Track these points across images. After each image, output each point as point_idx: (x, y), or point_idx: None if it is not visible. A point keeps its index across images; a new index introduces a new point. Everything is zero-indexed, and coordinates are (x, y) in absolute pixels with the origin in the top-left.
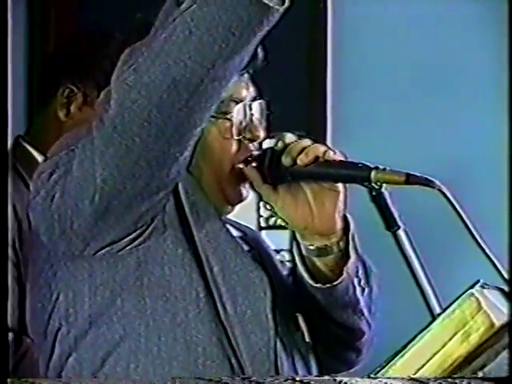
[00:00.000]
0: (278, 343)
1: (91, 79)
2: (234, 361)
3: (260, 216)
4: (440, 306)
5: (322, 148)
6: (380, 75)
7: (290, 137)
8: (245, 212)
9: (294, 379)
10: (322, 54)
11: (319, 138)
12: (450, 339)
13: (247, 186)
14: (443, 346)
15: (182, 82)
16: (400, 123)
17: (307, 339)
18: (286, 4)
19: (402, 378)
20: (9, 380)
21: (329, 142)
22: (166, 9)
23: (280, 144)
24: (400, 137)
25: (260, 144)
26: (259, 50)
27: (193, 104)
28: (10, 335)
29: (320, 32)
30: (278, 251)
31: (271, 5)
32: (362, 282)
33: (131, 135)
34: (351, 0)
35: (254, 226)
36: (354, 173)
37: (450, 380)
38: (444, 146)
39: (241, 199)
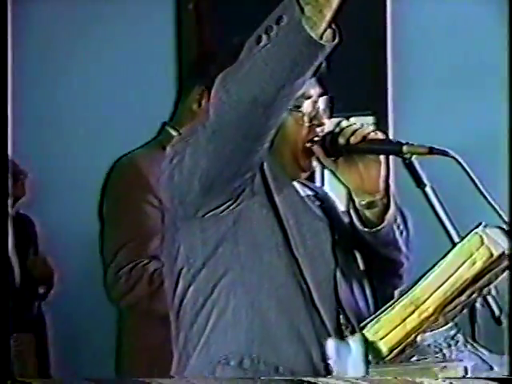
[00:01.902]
0: (338, 273)
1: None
2: (304, 287)
3: None
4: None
5: (367, 130)
6: (428, 68)
7: (344, 123)
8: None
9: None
10: (382, 53)
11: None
12: (461, 265)
13: (315, 158)
14: (456, 270)
15: (260, 99)
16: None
17: (361, 268)
18: (336, 41)
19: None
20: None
21: (390, 119)
22: (249, 44)
23: (337, 129)
24: (442, 115)
25: (323, 128)
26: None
27: (268, 114)
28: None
29: (379, 33)
30: None
31: (324, 44)
32: (401, 227)
33: (225, 136)
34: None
35: None
36: (390, 147)
37: None
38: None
39: (311, 167)
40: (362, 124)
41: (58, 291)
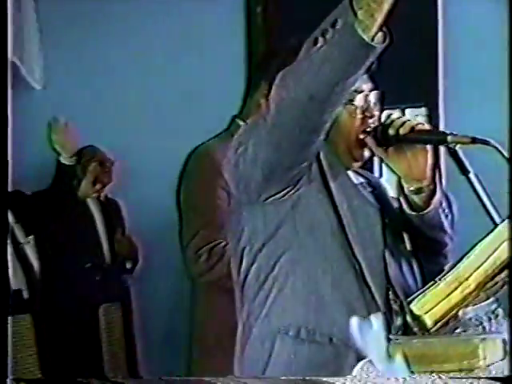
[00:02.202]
0: (388, 254)
1: None
2: (356, 267)
3: None
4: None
5: (415, 122)
6: (476, 62)
7: (394, 115)
8: None
9: None
10: (434, 50)
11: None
12: (499, 246)
13: (367, 148)
14: (495, 251)
15: (316, 96)
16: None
17: (409, 248)
18: (386, 42)
19: None
20: (8, 380)
21: (441, 109)
22: (307, 45)
23: (388, 120)
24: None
25: (374, 120)
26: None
27: (324, 109)
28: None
29: (431, 30)
30: None
31: (375, 45)
32: (446, 211)
33: (284, 129)
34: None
35: None
36: (436, 137)
37: None
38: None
39: (363, 157)
40: (417, 115)
41: (141, 267)
